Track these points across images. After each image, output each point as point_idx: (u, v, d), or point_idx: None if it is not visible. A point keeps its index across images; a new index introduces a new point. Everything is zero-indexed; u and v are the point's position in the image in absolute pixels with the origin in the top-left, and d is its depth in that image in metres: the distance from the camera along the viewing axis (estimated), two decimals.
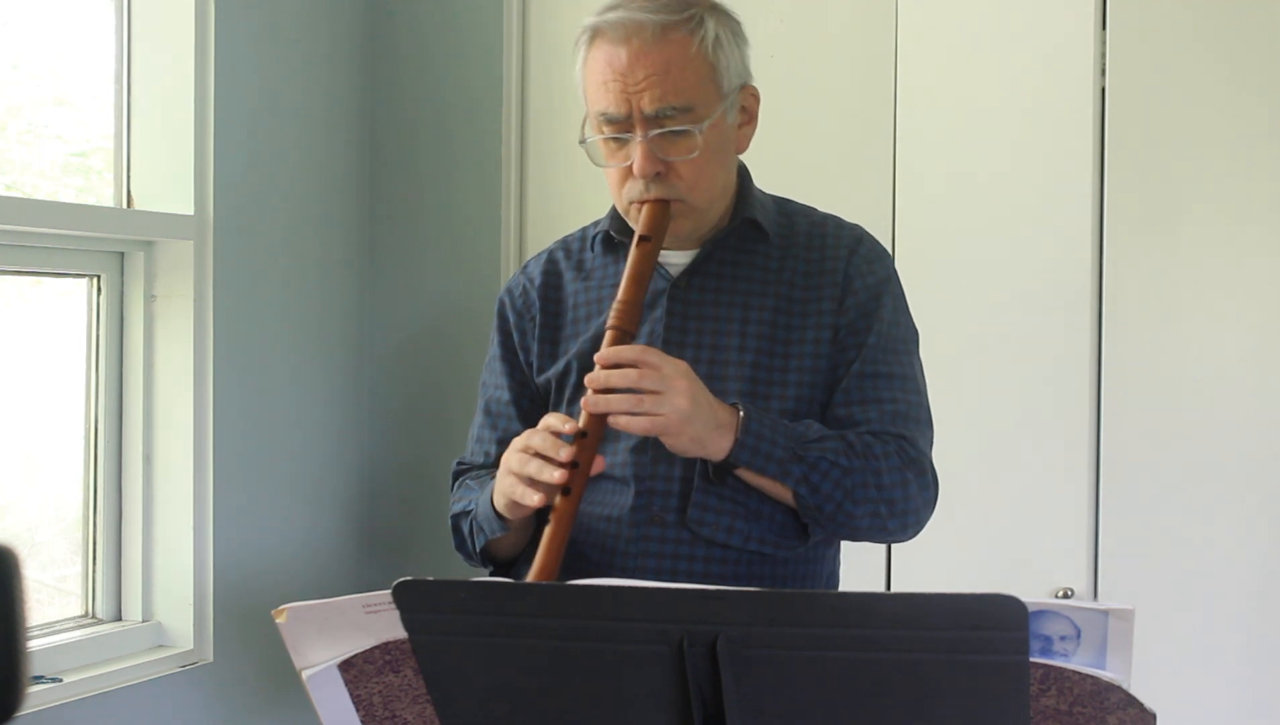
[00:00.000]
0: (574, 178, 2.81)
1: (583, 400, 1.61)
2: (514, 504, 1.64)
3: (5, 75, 2.42)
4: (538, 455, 1.60)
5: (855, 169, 2.63)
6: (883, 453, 1.68)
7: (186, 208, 2.51)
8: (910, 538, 1.76)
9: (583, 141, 1.73)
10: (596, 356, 1.62)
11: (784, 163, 2.66)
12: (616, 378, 1.59)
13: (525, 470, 1.60)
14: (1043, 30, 2.49)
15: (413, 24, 2.97)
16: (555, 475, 1.57)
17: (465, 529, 1.80)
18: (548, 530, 1.58)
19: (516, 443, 1.64)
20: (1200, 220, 2.40)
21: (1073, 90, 2.46)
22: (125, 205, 2.54)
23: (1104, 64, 2.45)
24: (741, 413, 1.63)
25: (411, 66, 2.97)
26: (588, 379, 1.61)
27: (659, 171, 1.67)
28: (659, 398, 1.57)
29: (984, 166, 2.53)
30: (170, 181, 2.53)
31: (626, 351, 1.61)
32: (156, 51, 2.53)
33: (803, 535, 1.72)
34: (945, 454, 2.52)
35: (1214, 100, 2.39)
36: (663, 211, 1.69)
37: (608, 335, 1.64)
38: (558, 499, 1.59)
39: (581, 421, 1.61)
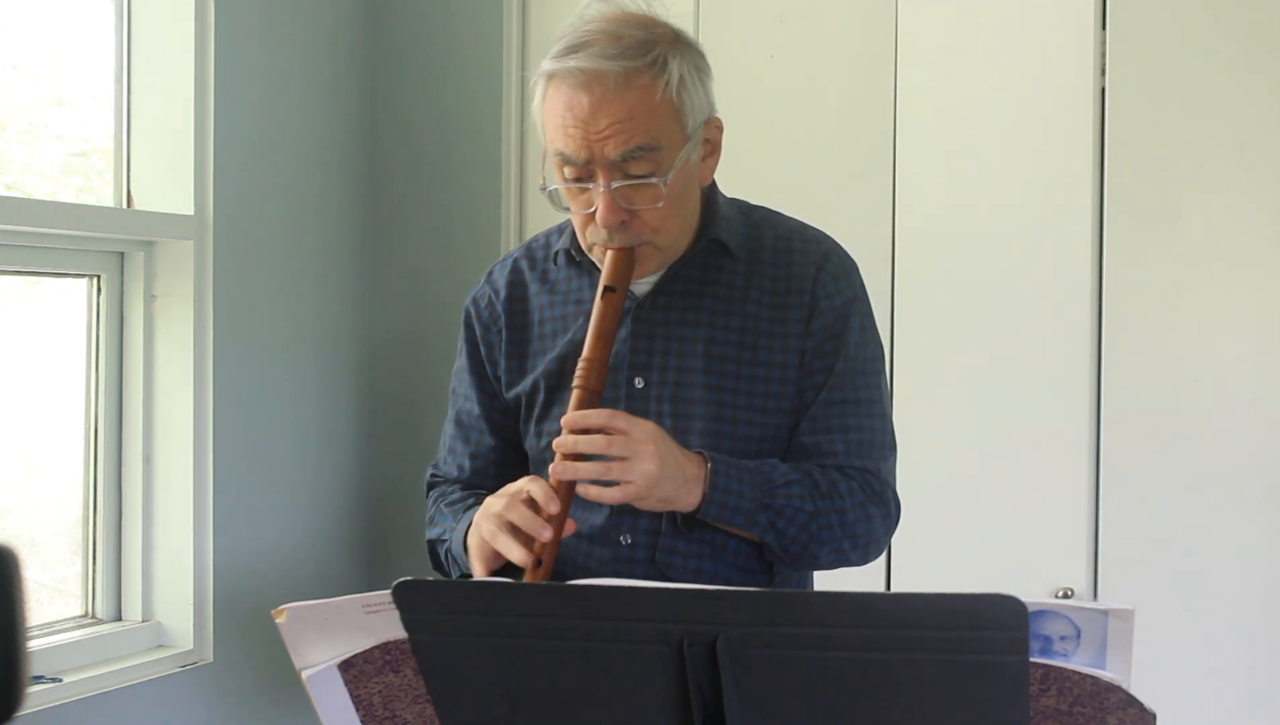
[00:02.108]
0: None
1: (550, 467, 1.58)
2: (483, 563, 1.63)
3: (5, 75, 2.42)
4: (512, 526, 1.57)
5: (855, 169, 2.63)
6: (848, 490, 1.68)
7: (186, 208, 2.51)
8: (869, 562, 1.77)
9: (544, 189, 1.68)
10: (563, 420, 1.59)
11: (783, 163, 2.67)
12: (584, 444, 1.56)
13: (498, 545, 1.57)
14: (1043, 30, 2.49)
15: (413, 24, 2.97)
16: (526, 560, 1.55)
17: (441, 554, 1.80)
18: None
19: (494, 505, 1.60)
20: (1200, 220, 2.40)
21: (1073, 90, 2.46)
22: (125, 205, 2.55)
23: (1104, 64, 2.45)
24: (709, 465, 1.61)
25: (412, 67, 2.97)
26: (555, 444, 1.58)
27: (623, 221, 1.63)
28: (627, 464, 1.55)
29: (984, 166, 2.53)
30: (170, 181, 2.53)
31: (594, 417, 1.57)
32: (156, 51, 2.53)
33: (768, 570, 1.72)
34: (946, 454, 2.54)
35: (1213, 100, 2.39)
36: (627, 261, 1.65)
37: (574, 396, 1.61)
38: (527, 571, 1.56)
39: (551, 483, 1.58)
